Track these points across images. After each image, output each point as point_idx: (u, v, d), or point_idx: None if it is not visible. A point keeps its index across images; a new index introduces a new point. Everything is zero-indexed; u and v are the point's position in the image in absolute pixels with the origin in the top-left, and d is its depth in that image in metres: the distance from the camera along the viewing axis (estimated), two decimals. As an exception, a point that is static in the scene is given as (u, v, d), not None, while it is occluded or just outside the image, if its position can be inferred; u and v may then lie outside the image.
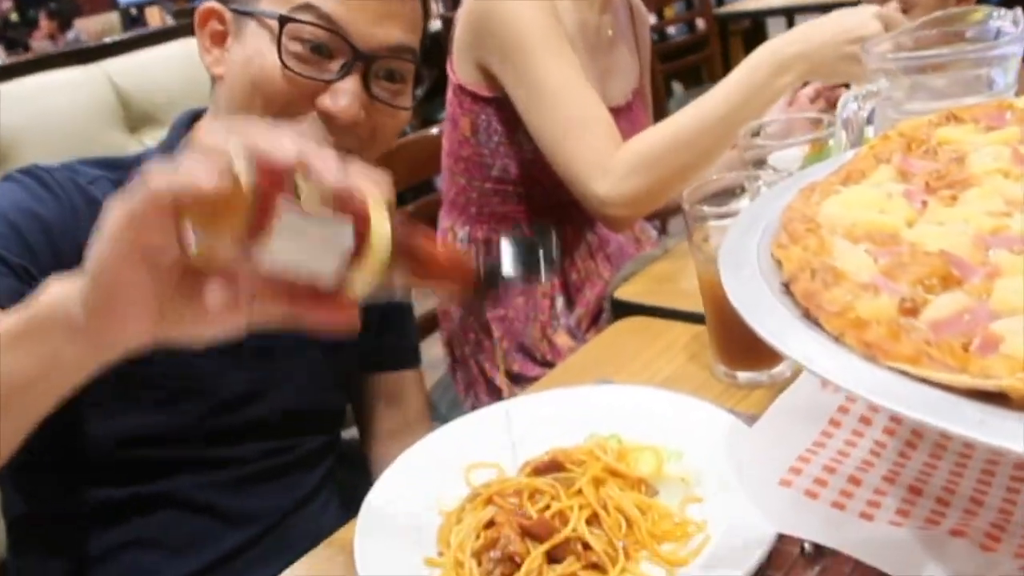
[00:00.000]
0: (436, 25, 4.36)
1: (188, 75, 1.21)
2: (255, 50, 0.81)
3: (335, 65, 0.81)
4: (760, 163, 0.98)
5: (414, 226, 0.51)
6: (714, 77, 3.81)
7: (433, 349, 1.51)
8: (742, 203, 0.89)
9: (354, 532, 0.68)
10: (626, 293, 1.10)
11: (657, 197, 1.14)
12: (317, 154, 0.47)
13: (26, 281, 0.76)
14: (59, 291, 0.53)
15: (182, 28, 1.42)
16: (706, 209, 0.82)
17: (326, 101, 0.81)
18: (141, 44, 1.37)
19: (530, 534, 0.62)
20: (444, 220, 1.41)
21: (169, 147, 0.89)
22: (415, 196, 1.61)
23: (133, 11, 7.93)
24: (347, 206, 0.47)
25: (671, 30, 4.13)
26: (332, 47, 0.80)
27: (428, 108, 3.91)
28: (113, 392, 0.82)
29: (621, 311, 1.07)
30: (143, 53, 1.33)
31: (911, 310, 0.46)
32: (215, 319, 0.51)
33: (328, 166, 0.47)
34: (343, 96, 0.80)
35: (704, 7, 3.70)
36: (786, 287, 0.53)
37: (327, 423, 1.01)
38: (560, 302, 1.33)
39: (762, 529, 0.59)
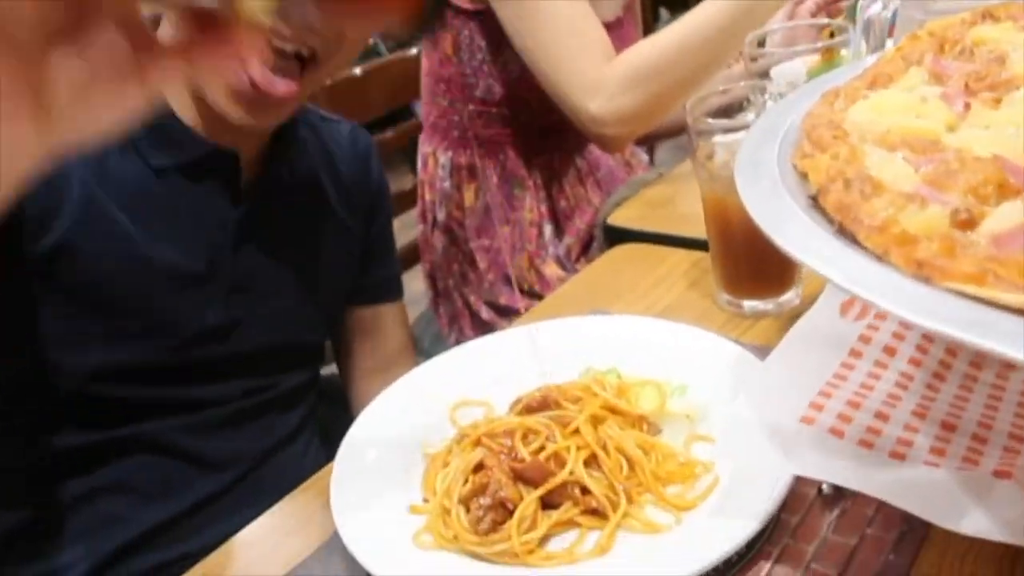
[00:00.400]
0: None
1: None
2: None
3: None
4: (767, 74, 0.90)
5: None
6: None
7: (414, 283, 1.45)
8: (748, 117, 0.82)
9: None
10: (620, 219, 1.03)
11: (653, 114, 1.06)
12: None
13: None
14: None
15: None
16: (712, 122, 0.75)
17: None
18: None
19: (523, 478, 0.57)
20: (425, 145, 1.33)
21: None
22: (393, 122, 1.52)
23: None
24: None
25: (658, -50, 3.97)
26: None
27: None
28: (81, 325, 0.77)
29: (614, 238, 1.01)
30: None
31: (967, 223, 0.40)
32: (107, 96, 0.39)
33: None
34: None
35: (693, -75, 3.54)
36: (814, 201, 0.47)
37: (306, 360, 0.95)
38: (548, 230, 1.26)
39: (775, 470, 0.54)
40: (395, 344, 1.03)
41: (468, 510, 0.56)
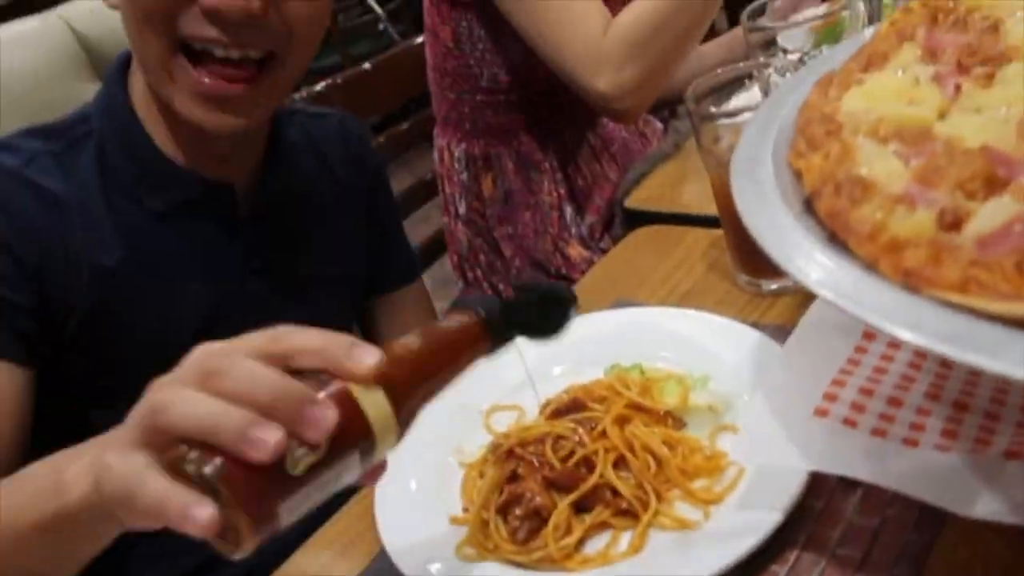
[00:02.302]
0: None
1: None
2: None
3: None
4: (768, 45, 0.90)
5: (411, 347, 0.48)
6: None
7: (445, 267, 1.47)
8: (752, 93, 0.82)
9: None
10: (637, 200, 1.04)
11: (659, 79, 1.06)
12: (287, 395, 0.42)
13: (9, 316, 0.72)
14: (79, 488, 0.49)
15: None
16: (712, 109, 0.76)
17: None
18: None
19: (555, 485, 0.59)
20: (439, 139, 1.34)
21: (110, 104, 0.80)
22: (408, 113, 1.53)
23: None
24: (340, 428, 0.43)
25: None
26: None
27: (407, 17, 3.74)
28: (108, 385, 0.77)
29: (634, 220, 1.02)
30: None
31: (953, 224, 0.40)
32: None
33: (307, 415, 0.42)
34: None
35: None
36: (808, 205, 0.48)
37: None
38: (569, 211, 1.28)
39: (800, 457, 0.55)
40: (418, 324, 1.05)
41: (506, 520, 0.59)
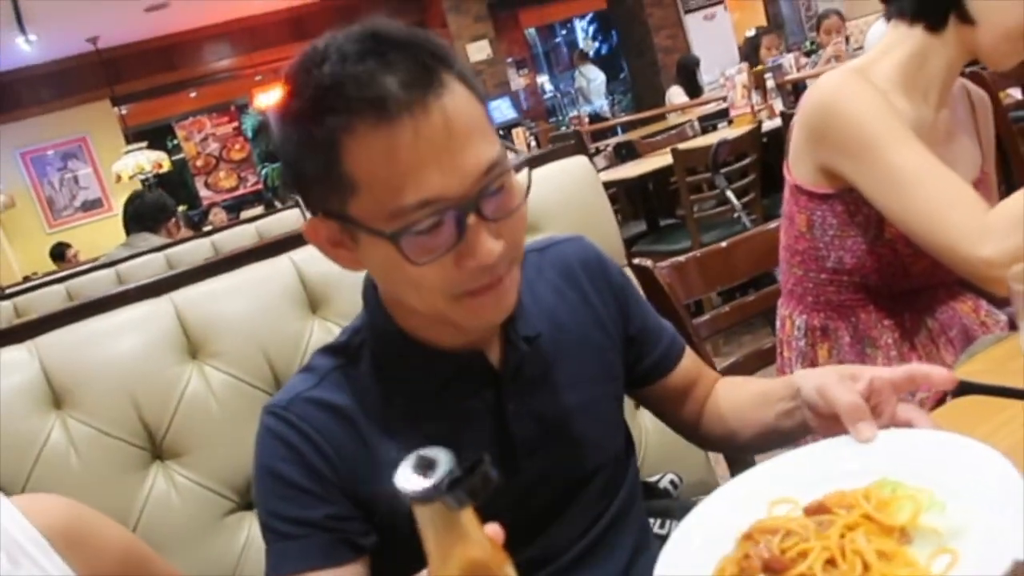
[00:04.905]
0: (776, 122, 4.17)
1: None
2: (385, 258, 0.79)
3: (448, 229, 0.77)
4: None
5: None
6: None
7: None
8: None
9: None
10: (964, 371, 1.06)
11: None
12: None
13: (335, 529, 0.84)
14: None
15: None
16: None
17: (471, 264, 0.78)
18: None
19: (770, 568, 0.68)
20: (782, 309, 1.48)
21: (371, 315, 0.91)
22: (756, 287, 1.70)
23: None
24: None
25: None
26: (440, 216, 0.77)
27: (768, 204, 3.87)
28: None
29: (960, 390, 1.03)
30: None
31: None
32: None
33: None
34: (481, 247, 0.78)
35: (1078, 77, 3.15)
36: None
37: (617, 468, 1.00)
38: (900, 387, 1.31)
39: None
40: (708, 383, 1.08)
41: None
